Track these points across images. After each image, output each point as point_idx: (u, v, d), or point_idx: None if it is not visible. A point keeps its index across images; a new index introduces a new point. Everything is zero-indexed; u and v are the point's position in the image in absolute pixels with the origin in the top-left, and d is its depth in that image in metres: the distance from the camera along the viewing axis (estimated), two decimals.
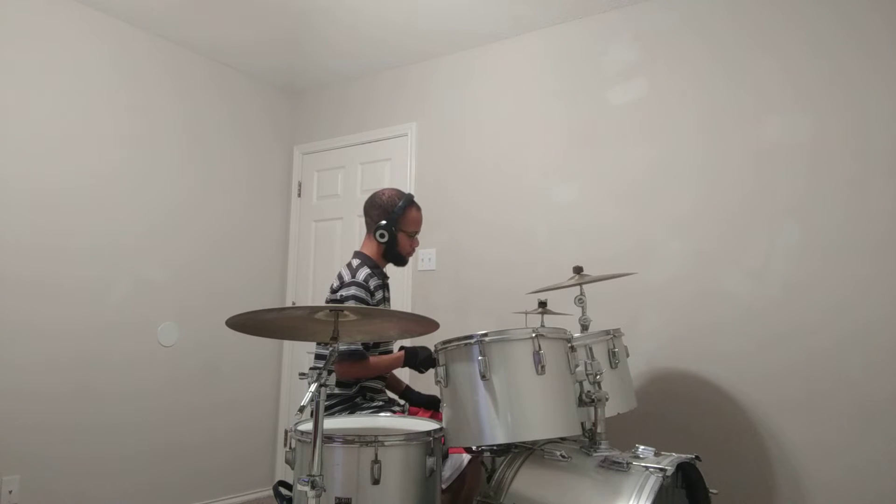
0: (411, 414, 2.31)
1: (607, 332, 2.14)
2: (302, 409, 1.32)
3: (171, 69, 3.56)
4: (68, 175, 3.06)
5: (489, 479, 1.83)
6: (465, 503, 2.07)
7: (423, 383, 3.01)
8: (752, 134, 2.70)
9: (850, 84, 2.52)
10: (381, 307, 2.23)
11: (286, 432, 1.73)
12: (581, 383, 1.79)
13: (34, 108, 2.96)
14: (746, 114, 2.72)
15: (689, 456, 1.78)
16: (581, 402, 1.77)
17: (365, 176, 3.91)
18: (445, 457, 1.95)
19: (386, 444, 1.58)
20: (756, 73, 2.72)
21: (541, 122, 3.27)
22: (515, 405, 1.65)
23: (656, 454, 1.75)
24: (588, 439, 1.83)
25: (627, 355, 2.25)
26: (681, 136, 2.87)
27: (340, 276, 2.27)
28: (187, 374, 3.50)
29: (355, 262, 2.29)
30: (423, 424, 1.83)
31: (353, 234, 3.88)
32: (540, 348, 1.69)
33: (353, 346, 2.11)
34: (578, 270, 2.37)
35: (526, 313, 2.65)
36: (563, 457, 1.78)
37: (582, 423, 1.74)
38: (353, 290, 2.17)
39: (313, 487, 1.39)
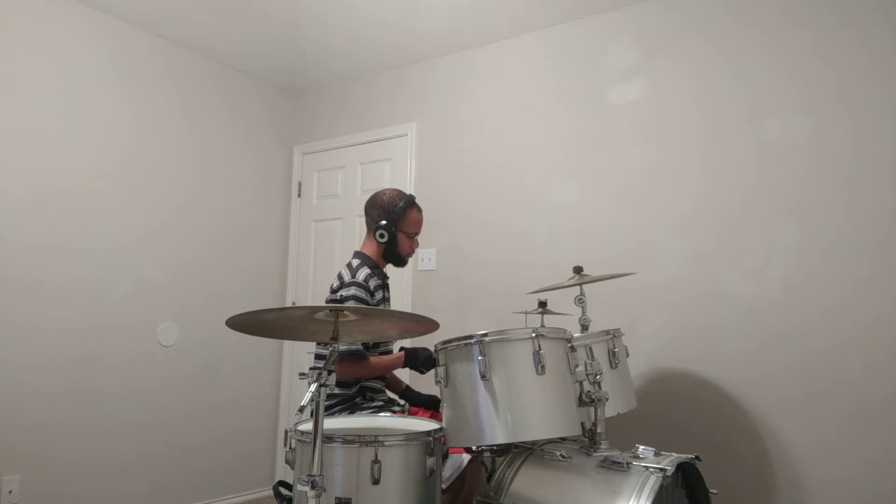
0: (411, 414, 2.31)
1: (607, 332, 2.14)
2: (302, 409, 1.32)
3: (171, 69, 3.56)
4: (68, 175, 3.06)
5: (489, 479, 1.83)
6: (465, 503, 2.07)
7: (423, 383, 3.01)
8: (752, 133, 2.70)
9: (850, 84, 2.52)
10: (380, 307, 2.24)
11: (286, 432, 1.73)
12: (581, 383, 1.79)
13: (34, 109, 2.96)
14: (746, 113, 2.72)
15: (689, 456, 1.78)
16: (581, 402, 1.77)
17: (365, 176, 3.91)
18: (445, 457, 1.95)
19: (386, 444, 1.58)
20: (756, 73, 2.72)
21: (541, 122, 3.27)
22: (515, 405, 1.65)
23: (656, 454, 1.75)
24: (588, 439, 1.83)
25: (627, 355, 2.25)
26: (681, 136, 2.87)
27: (340, 276, 2.27)
28: (187, 374, 3.50)
29: (355, 262, 2.29)
30: (423, 424, 1.83)
31: (353, 234, 3.88)
32: (540, 348, 1.69)
33: (353, 347, 2.11)
34: (578, 270, 2.37)
35: (526, 313, 2.65)
36: (563, 457, 1.78)
37: (582, 423, 1.74)
38: (353, 290, 2.17)
39: (313, 487, 1.39)
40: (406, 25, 3.37)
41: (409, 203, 2.34)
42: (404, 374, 3.13)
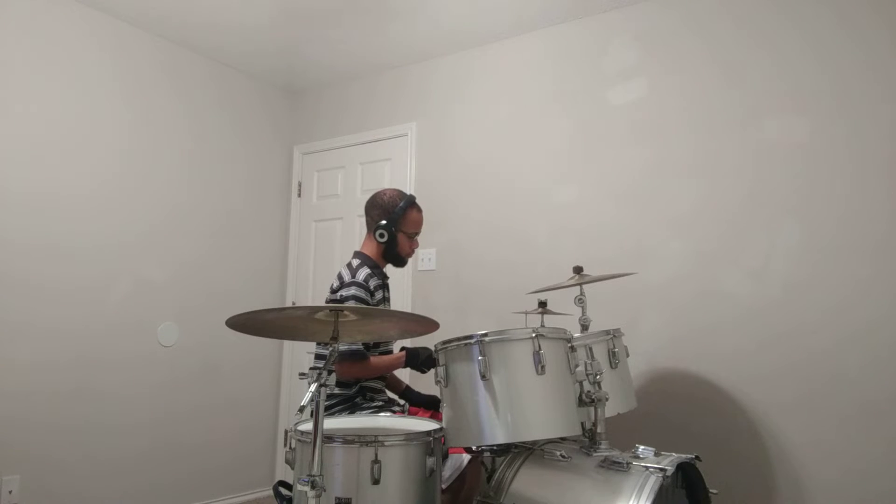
0: (411, 414, 2.31)
1: (607, 332, 2.14)
2: (302, 409, 1.32)
3: (171, 69, 3.56)
4: (68, 175, 3.06)
5: (489, 479, 1.83)
6: (465, 503, 2.07)
7: (424, 383, 3.00)
8: (751, 133, 2.70)
9: (849, 84, 2.52)
10: (381, 307, 2.24)
11: (286, 432, 1.73)
12: (581, 383, 1.79)
13: (34, 109, 2.96)
14: (746, 113, 2.72)
15: (689, 456, 1.78)
16: (581, 402, 1.77)
17: (365, 176, 3.91)
18: (445, 457, 1.95)
19: (386, 444, 1.58)
20: (756, 73, 2.72)
21: (541, 122, 3.27)
22: (515, 405, 1.65)
23: (656, 454, 1.75)
24: (588, 439, 1.83)
25: (627, 355, 2.25)
26: (681, 135, 2.87)
27: (340, 276, 2.27)
28: (187, 373, 3.50)
29: (355, 262, 2.29)
30: (423, 424, 1.83)
31: (353, 234, 3.88)
32: (540, 348, 1.69)
33: (353, 347, 2.11)
34: (578, 270, 2.37)
35: (526, 313, 2.65)
36: (563, 457, 1.78)
37: (582, 423, 1.74)
38: (353, 290, 2.17)
39: (313, 487, 1.39)
40: (406, 25, 3.37)
41: (410, 203, 2.34)
42: (404, 374, 3.13)
